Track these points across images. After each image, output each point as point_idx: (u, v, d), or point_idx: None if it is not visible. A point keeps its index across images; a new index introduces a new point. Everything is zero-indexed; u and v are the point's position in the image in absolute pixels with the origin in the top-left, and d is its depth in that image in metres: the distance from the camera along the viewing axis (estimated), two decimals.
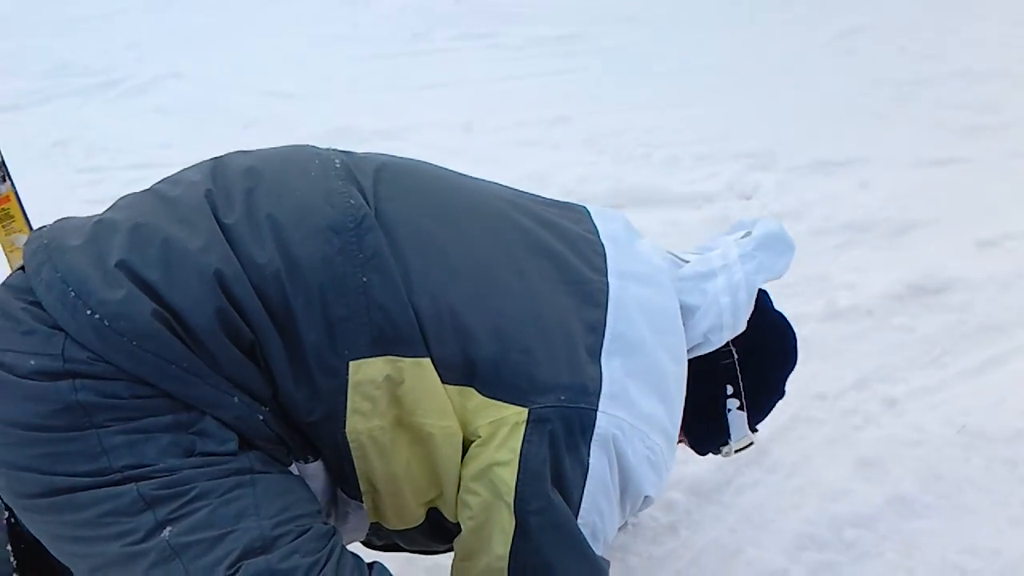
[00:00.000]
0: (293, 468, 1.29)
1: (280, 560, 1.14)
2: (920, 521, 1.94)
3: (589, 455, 1.27)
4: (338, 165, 1.36)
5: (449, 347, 1.25)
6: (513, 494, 1.25)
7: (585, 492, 1.28)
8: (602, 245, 1.44)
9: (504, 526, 1.27)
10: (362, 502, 1.33)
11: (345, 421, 1.24)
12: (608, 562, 1.35)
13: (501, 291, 1.30)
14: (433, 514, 1.36)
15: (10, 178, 1.90)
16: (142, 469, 1.14)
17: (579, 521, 1.29)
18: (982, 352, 2.37)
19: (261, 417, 1.22)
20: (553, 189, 3.01)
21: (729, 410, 1.53)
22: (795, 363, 1.61)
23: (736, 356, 1.49)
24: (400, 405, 1.26)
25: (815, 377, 2.25)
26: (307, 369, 1.22)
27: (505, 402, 1.26)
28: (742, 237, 1.52)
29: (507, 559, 1.27)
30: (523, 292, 1.32)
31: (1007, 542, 1.90)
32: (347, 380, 1.23)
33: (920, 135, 3.12)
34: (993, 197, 2.84)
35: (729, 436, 1.55)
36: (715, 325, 1.44)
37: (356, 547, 1.42)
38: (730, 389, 1.52)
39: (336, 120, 3.44)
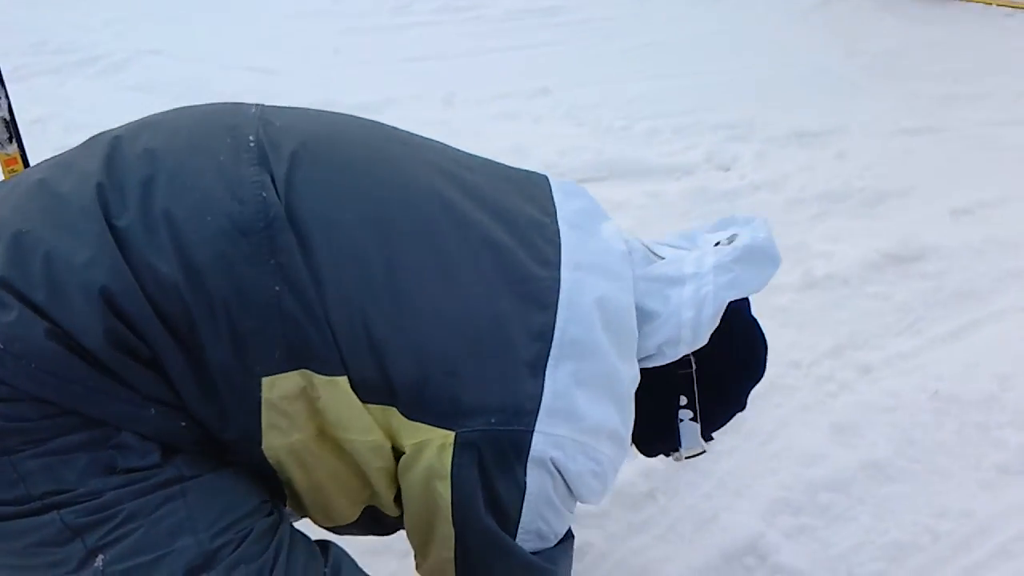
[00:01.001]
0: None
1: (225, 574, 1.09)
2: (893, 485, 1.98)
3: (525, 475, 1.19)
4: (252, 143, 1.20)
5: (366, 366, 1.15)
6: (450, 511, 1.20)
7: (524, 508, 1.22)
8: (558, 233, 1.31)
9: (446, 535, 1.24)
10: (286, 506, 1.27)
11: (261, 439, 1.15)
12: (572, 537, 1.35)
13: (427, 303, 1.18)
14: (370, 510, 1.31)
15: (19, 140, 1.83)
16: (63, 495, 1.06)
17: (520, 531, 1.23)
18: (956, 319, 2.41)
19: (183, 423, 1.13)
20: (534, 162, 3.03)
21: (681, 420, 1.42)
22: (760, 377, 1.49)
23: (695, 366, 1.38)
24: (321, 416, 1.17)
25: (792, 345, 2.28)
26: (214, 387, 1.12)
27: (430, 425, 1.17)
28: (728, 241, 1.39)
29: (453, 561, 1.27)
30: (454, 303, 1.19)
31: (978, 504, 1.94)
32: (260, 398, 1.13)
33: (897, 105, 3.14)
34: (968, 166, 2.88)
35: (680, 445, 1.44)
36: (672, 339, 1.32)
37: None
38: (684, 400, 1.41)
39: (317, 94, 3.43)
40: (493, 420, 1.17)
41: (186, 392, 1.11)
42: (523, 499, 1.21)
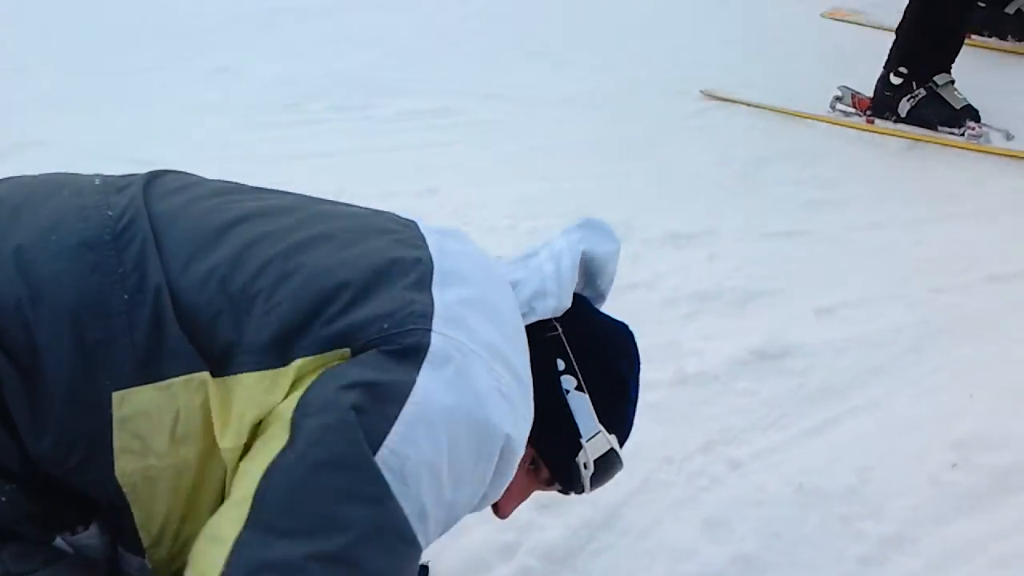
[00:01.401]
0: (61, 542, 1.17)
1: None
2: None
3: (419, 373, 1.10)
4: (98, 182, 1.26)
5: (246, 328, 1.11)
6: (295, 406, 1.08)
7: (403, 413, 1.07)
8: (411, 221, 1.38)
9: (273, 445, 1.06)
10: (144, 557, 1.20)
11: (113, 462, 1.10)
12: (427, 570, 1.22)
13: (300, 250, 1.19)
14: None
15: None
16: None
17: (383, 449, 1.05)
18: (819, 414, 2.52)
19: (4, 498, 1.07)
20: None
21: (567, 391, 1.39)
22: (636, 361, 1.53)
23: (561, 330, 1.40)
24: (185, 441, 1.12)
25: (665, 441, 2.35)
26: (55, 408, 1.07)
27: (325, 352, 1.12)
28: None
29: (256, 485, 1.05)
30: (328, 246, 1.21)
31: None
32: (111, 414, 1.08)
33: (765, 209, 3.32)
34: (830, 267, 3.05)
35: (578, 429, 1.39)
36: (539, 291, 1.38)
37: None
38: (562, 364, 1.40)
39: None
40: (386, 325, 1.13)
41: (23, 421, 1.06)
42: (408, 396, 1.08)
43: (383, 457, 1.06)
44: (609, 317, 1.55)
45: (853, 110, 3.91)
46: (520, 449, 1.24)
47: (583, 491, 1.48)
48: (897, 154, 3.67)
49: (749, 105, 3.99)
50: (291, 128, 4.14)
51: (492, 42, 4.90)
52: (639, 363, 1.55)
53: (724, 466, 2.33)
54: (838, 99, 3.92)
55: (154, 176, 1.30)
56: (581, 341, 1.43)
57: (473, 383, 1.13)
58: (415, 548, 1.09)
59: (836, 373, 2.63)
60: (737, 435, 2.42)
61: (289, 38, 5.11)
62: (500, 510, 1.45)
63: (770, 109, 3.94)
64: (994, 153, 3.56)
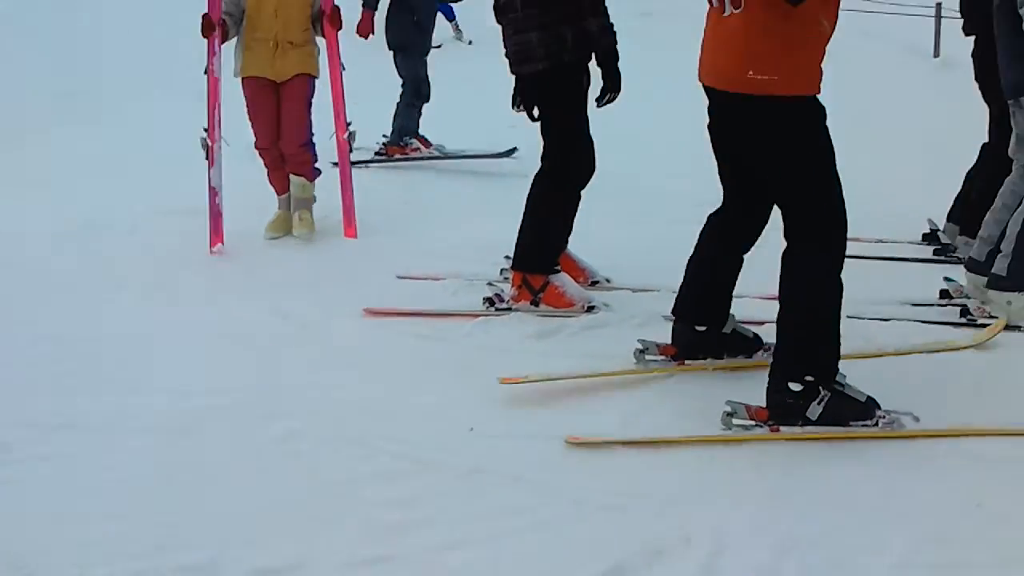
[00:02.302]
0: None
1: None
2: None
3: None
4: None
5: None
6: None
7: None
8: None
9: None
10: None
11: None
12: None
13: None
14: None
15: None
16: None
17: None
18: None
19: None
20: None
21: None
22: None
23: None
24: None
25: None
26: None
27: None
28: None
29: None
30: None
31: None
32: None
33: (354, 535, 3.34)
34: None
35: None
36: None
37: None
38: None
39: None
40: None
41: None
42: None
43: None
44: None
45: (752, 422, 3.84)
46: None
47: None
48: (466, 473, 3.74)
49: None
50: None
51: (64, 368, 4.67)
52: None
53: None
54: (730, 415, 3.84)
55: None
56: None
57: None
58: None
59: None
60: None
61: None
62: None
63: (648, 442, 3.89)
64: (910, 437, 3.70)
